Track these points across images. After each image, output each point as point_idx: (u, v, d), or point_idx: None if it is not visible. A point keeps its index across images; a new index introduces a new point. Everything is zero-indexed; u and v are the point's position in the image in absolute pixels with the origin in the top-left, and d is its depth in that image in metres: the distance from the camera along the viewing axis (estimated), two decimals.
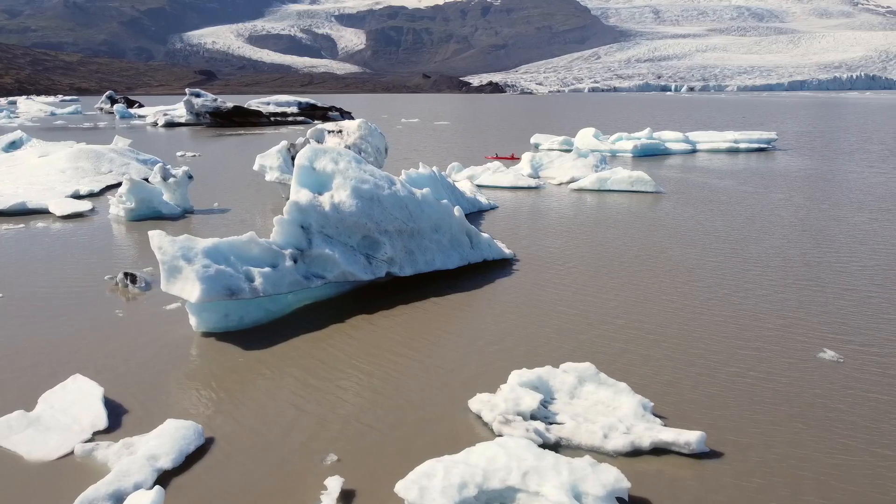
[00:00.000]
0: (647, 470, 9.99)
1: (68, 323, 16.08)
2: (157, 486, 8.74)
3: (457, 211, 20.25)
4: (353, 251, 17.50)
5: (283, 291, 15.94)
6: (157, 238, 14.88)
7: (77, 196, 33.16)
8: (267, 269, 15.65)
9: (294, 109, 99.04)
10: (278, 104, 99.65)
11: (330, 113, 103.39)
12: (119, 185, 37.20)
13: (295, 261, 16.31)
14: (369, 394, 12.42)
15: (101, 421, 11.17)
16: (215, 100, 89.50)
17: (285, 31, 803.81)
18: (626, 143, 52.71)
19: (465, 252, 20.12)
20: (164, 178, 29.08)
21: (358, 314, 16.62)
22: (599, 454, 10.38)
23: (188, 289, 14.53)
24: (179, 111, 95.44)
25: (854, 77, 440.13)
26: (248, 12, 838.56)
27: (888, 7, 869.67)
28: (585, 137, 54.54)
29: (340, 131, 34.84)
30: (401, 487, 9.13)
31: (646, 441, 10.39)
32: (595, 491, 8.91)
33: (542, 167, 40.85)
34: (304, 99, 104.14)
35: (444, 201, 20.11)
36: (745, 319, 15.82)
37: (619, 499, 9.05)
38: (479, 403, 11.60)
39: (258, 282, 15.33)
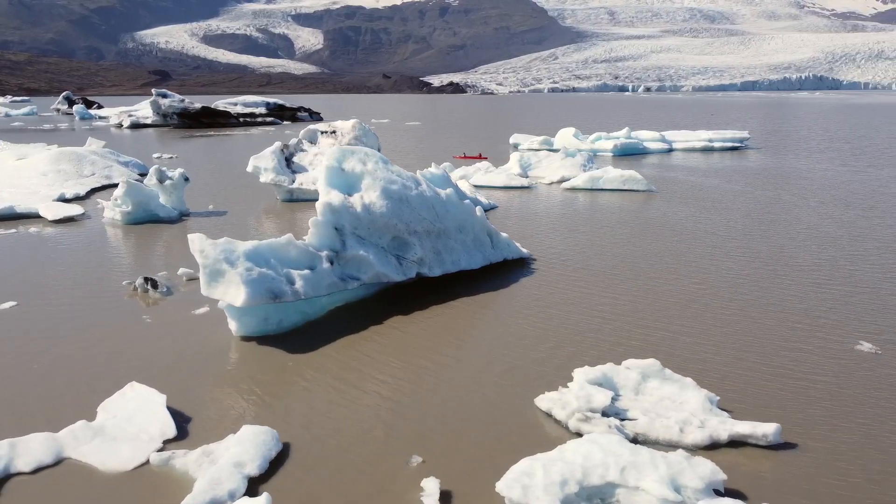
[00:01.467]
0: (728, 462, 10.17)
1: (99, 331, 15.64)
2: (265, 494, 8.60)
3: (478, 211, 20.30)
4: (385, 252, 17.41)
5: (322, 293, 15.78)
6: (199, 241, 14.57)
7: (63, 199, 32.17)
8: (306, 272, 15.47)
9: (262, 110, 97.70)
10: (246, 104, 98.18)
11: (299, 113, 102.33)
12: (104, 188, 36.40)
13: (331, 262, 16.16)
14: (430, 394, 12.39)
15: (170, 429, 10.92)
16: (183, 100, 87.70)
17: (241, 30, 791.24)
18: (606, 142, 53.42)
19: (486, 252, 20.18)
20: (161, 180, 28.44)
21: (393, 315, 16.54)
22: (678, 448, 10.53)
23: (231, 292, 14.27)
24: (144, 111, 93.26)
25: (803, 78, 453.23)
26: (202, 11, 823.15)
27: (832, 10, 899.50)
28: (566, 137, 55.09)
29: (334, 132, 34.60)
30: (503, 486, 9.16)
31: (724, 434, 10.61)
32: (694, 484, 9.07)
33: (530, 167, 41.14)
34: (272, 99, 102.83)
35: (467, 201, 20.15)
36: (779, 314, 16.25)
37: (715, 490, 9.23)
38: (549, 402, 11.68)
39: (299, 284, 15.14)
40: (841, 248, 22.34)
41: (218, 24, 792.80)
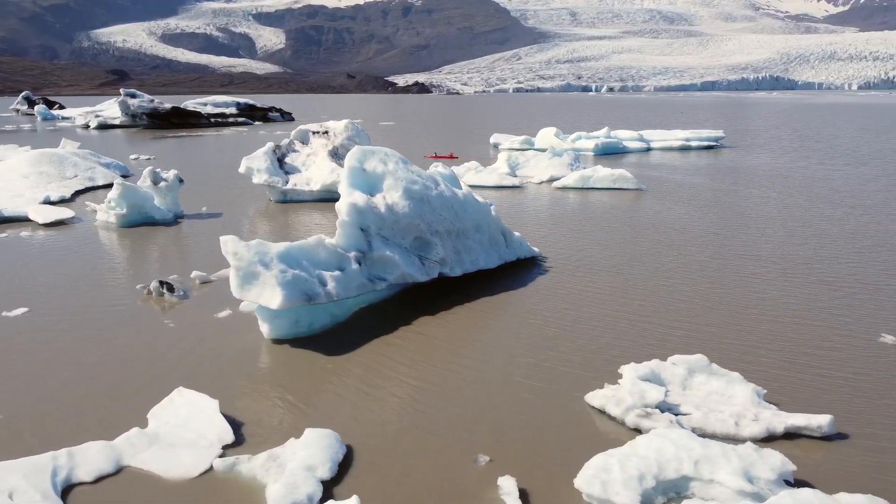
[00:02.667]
0: (786, 454, 10.38)
1: (125, 337, 15.29)
2: (354, 496, 8.54)
3: (493, 210, 20.38)
4: (408, 253, 17.37)
5: (352, 295, 15.68)
6: (232, 243, 14.35)
7: (48, 202, 31.32)
8: (337, 273, 15.36)
9: (233, 110, 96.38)
10: (216, 105, 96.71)
11: (270, 113, 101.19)
12: (88, 190, 35.57)
13: (359, 263, 16.06)
14: (478, 395, 12.40)
15: (228, 434, 10.74)
16: (152, 100, 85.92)
17: (200, 29, 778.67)
18: (587, 142, 54.00)
19: (501, 251, 20.27)
20: (155, 181, 27.88)
21: (419, 315, 16.51)
22: (735, 441, 10.74)
23: (267, 294, 14.09)
24: (111, 112, 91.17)
25: (760, 78, 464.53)
26: (160, 10, 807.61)
27: (786, 12, 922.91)
28: (547, 137, 55.56)
29: (326, 132, 34.34)
30: (582, 483, 9.24)
31: (780, 427, 10.85)
32: (766, 475, 9.26)
33: (518, 166, 41.36)
34: (242, 99, 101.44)
35: (483, 200, 20.20)
36: (798, 311, 16.66)
37: (785, 481, 9.44)
38: (602, 399, 11.79)
39: (331, 286, 15.02)
40: (839, 246, 22.94)
41: (177, 23, 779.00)
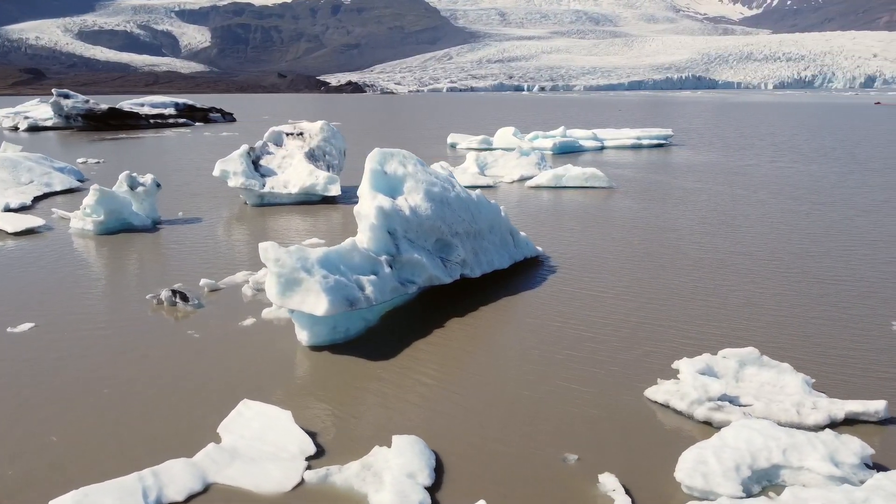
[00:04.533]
0: None
1: (151, 351, 14.69)
2: (481, 500, 8.52)
3: (503, 210, 20.54)
4: (431, 255, 17.34)
5: (388, 299, 15.55)
6: (273, 250, 14.00)
7: (9, 209, 29.67)
8: (373, 277, 15.20)
9: (172, 111, 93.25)
10: (153, 105, 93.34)
11: (211, 114, 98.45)
12: (46, 196, 33.95)
13: (390, 267, 15.94)
14: (537, 394, 12.52)
15: (309, 446, 10.51)
16: (87, 101, 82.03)
17: (120, 26, 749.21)
18: (544, 141, 54.88)
19: (511, 251, 20.46)
20: (132, 186, 26.80)
21: (447, 317, 16.50)
22: (800, 429, 11.22)
23: (311, 301, 13.82)
24: (40, 112, 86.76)
25: (683, 77, 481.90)
26: (76, 6, 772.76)
27: (705, 14, 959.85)
28: (505, 136, 56.16)
29: (301, 134, 33.80)
30: (683, 476, 9.51)
31: (840, 413, 11.40)
32: (850, 460, 9.75)
33: (487, 166, 41.70)
34: (181, 100, 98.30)
35: (493, 201, 20.34)
36: (805, 305, 17.49)
37: (865, 465, 9.95)
38: (665, 394, 12.12)
39: (369, 290, 14.86)
40: (823, 242, 24.02)
41: (95, 20, 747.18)
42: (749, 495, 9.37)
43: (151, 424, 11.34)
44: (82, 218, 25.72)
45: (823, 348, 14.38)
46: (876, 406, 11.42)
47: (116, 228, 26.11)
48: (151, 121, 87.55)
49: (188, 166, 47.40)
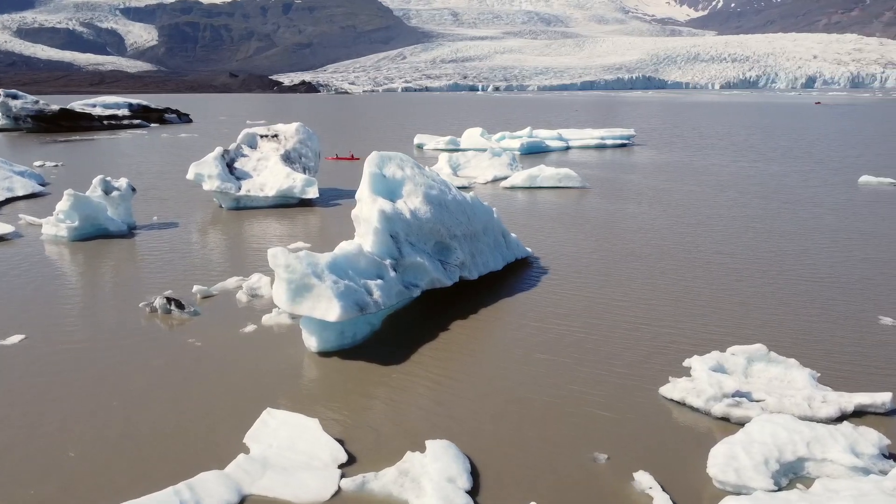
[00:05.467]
0: None
1: (154, 360, 14.36)
2: (532, 503, 8.60)
3: (495, 213, 20.67)
4: (432, 258, 17.34)
5: (394, 303, 15.51)
6: (283, 256, 13.81)
7: None
8: (379, 281, 15.13)
9: (125, 111, 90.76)
10: (106, 106, 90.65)
11: (166, 115, 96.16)
12: (8, 201, 32.80)
13: (394, 270, 15.90)
14: (555, 394, 12.68)
15: (341, 453, 10.44)
16: (37, 101, 79.15)
17: (62, 24, 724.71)
18: (511, 141, 55.28)
19: (504, 252, 20.61)
20: (107, 191, 26.05)
21: (449, 320, 16.56)
22: (812, 422, 11.62)
23: (322, 307, 13.70)
24: None
25: (634, 78, 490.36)
26: (14, 2, 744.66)
27: (653, 15, 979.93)
28: (472, 136, 56.37)
29: (276, 136, 33.37)
30: (717, 472, 9.78)
31: (850, 406, 11.85)
32: (869, 450, 10.16)
33: (460, 167, 41.83)
34: (135, 100, 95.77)
35: (486, 203, 20.44)
36: (803, 302, 18.09)
37: (883, 455, 10.37)
38: (682, 391, 12.39)
39: (377, 294, 14.80)
40: (800, 240, 24.72)
41: (34, 17, 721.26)
42: (778, 488, 9.68)
43: (172, 436, 11.09)
44: (55, 224, 24.89)
45: (821, 344, 14.90)
46: (883, 398, 11.90)
47: (91, 234, 25.36)
48: (105, 122, 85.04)
49: (152, 169, 46.24)
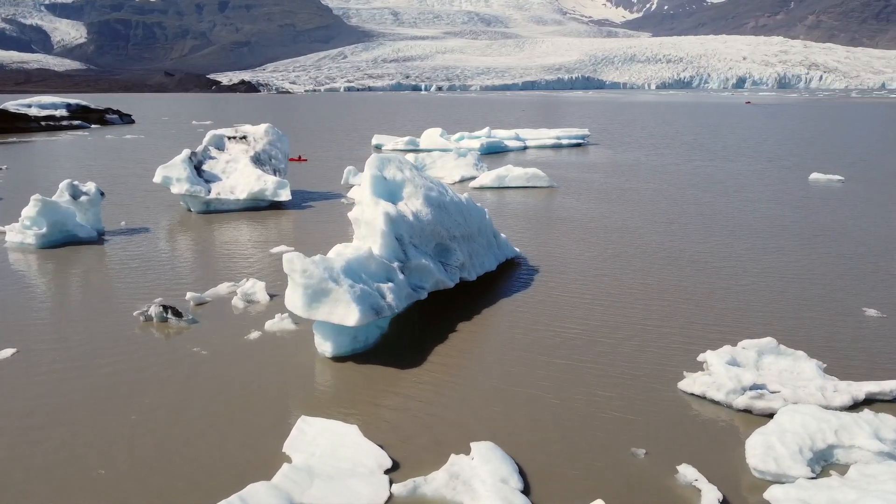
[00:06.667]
0: None
1: (163, 371, 13.92)
2: (598, 500, 8.73)
3: (487, 214, 20.79)
4: (433, 259, 17.35)
5: (404, 306, 15.44)
6: (299, 261, 13.58)
7: None
8: (390, 284, 15.05)
9: (64, 112, 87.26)
10: (42, 106, 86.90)
11: (107, 115, 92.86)
12: None
13: (402, 273, 15.84)
14: (577, 391, 12.87)
15: (385, 459, 10.37)
16: None
17: None
18: (471, 141, 55.57)
19: (496, 252, 20.76)
20: (74, 196, 25.06)
21: (455, 321, 16.60)
22: (828, 409, 12.14)
23: (340, 312, 13.54)
24: None
25: (573, 78, 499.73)
26: None
27: (590, 17, 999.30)
28: (432, 137, 56.44)
29: (244, 137, 32.70)
30: (757, 462, 10.12)
31: (860, 394, 12.43)
32: (891, 436, 10.69)
33: (425, 168, 41.76)
34: (73, 100, 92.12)
35: (479, 205, 20.55)
36: (790, 293, 18.83)
37: None
38: (703, 385, 12.76)
39: (389, 298, 14.72)
40: (767, 239, 25.49)
41: None
42: (815, 475, 10.09)
43: (207, 449, 10.79)
44: (21, 231, 23.81)
45: (817, 336, 15.55)
46: (890, 385, 12.53)
47: (60, 241, 24.35)
48: (42, 123, 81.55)
49: (105, 172, 44.62)
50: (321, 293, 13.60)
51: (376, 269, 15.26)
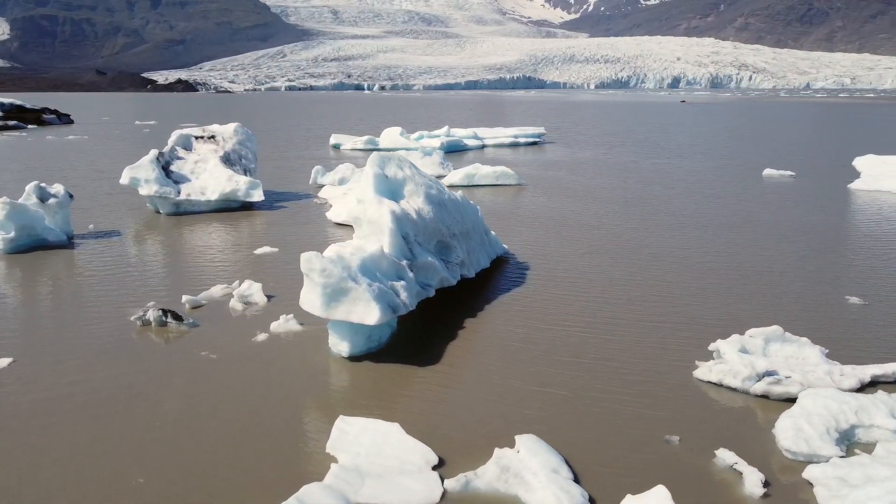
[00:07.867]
0: None
1: (176, 377, 13.55)
2: (660, 485, 8.96)
3: (480, 211, 20.94)
4: (436, 257, 17.39)
5: (416, 304, 15.43)
6: (318, 260, 13.42)
7: None
8: (402, 283, 15.02)
9: None
10: None
11: (45, 115, 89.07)
12: None
13: (411, 271, 15.83)
14: (596, 381, 13.13)
15: (432, 455, 10.38)
16: None
17: None
18: (431, 140, 55.68)
19: (488, 249, 20.94)
20: (42, 198, 24.05)
21: (460, 317, 16.69)
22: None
23: (359, 311, 13.45)
24: None
25: (515, 77, 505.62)
26: None
27: (529, 18, 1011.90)
28: (392, 136, 56.25)
29: (213, 137, 32.00)
30: (790, 444, 10.56)
31: (866, 377, 13.09)
32: None
33: None
34: (6, 100, 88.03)
35: (472, 202, 20.67)
36: (777, 286, 19.60)
37: None
38: (719, 373, 13.21)
39: (403, 296, 14.69)
40: (742, 234, 26.41)
41: None
42: (843, 454, 10.60)
43: (248, 454, 10.58)
44: None
45: (812, 324, 16.26)
46: (893, 368, 13.24)
47: (28, 246, 23.35)
48: None
49: (55, 174, 42.82)
50: (340, 292, 13.48)
51: (388, 268, 15.20)
